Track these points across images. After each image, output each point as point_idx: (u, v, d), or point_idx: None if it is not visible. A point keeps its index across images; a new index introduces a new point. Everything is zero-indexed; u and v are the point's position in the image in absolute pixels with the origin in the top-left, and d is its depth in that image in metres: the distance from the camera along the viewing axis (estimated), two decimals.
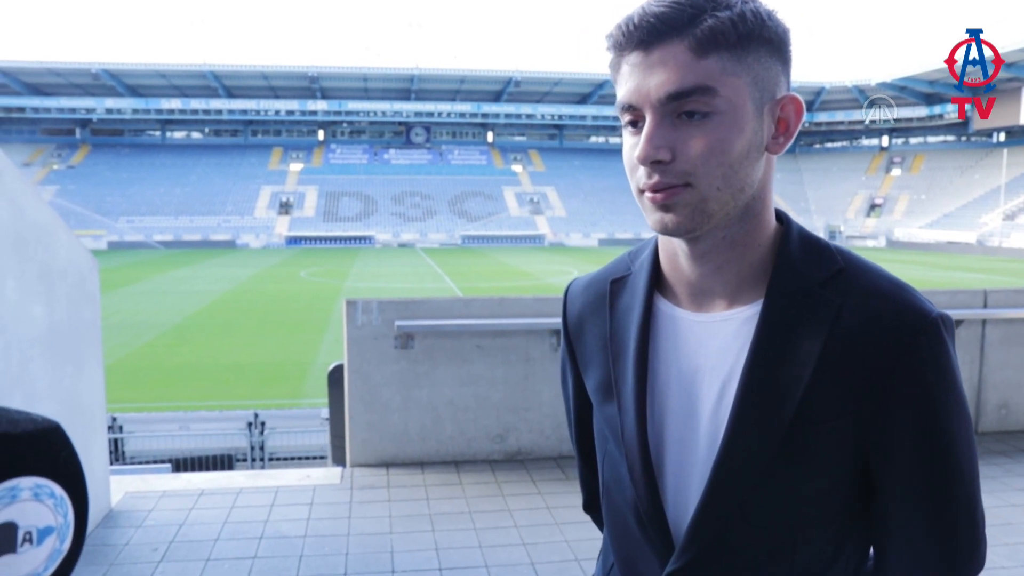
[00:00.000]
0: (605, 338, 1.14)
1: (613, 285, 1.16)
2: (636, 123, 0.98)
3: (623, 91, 0.97)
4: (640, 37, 0.94)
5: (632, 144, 0.99)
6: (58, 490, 0.62)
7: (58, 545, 0.62)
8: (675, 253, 1.07)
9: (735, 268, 1.03)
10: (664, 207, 0.96)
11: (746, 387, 1.00)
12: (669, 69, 0.93)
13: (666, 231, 0.98)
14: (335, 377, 5.81)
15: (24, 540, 0.59)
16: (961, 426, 1.00)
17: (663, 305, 1.10)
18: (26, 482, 0.60)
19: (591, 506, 1.36)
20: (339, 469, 5.13)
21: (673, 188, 0.95)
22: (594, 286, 1.20)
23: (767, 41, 0.95)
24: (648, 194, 0.97)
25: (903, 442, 0.99)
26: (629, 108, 0.97)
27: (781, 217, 1.08)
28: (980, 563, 1.06)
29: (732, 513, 1.01)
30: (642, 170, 0.97)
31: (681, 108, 0.93)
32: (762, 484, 1.00)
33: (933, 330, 0.97)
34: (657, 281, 1.12)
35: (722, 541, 1.03)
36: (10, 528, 0.57)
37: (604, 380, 1.14)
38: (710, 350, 1.05)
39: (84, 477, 0.65)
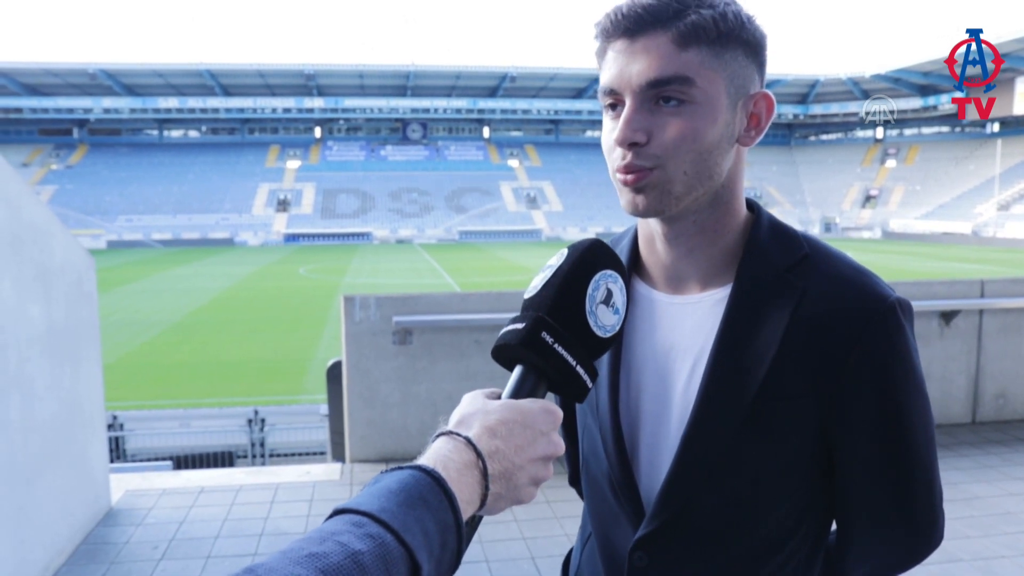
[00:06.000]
0: None
1: None
2: (615, 107, 1.03)
3: (607, 76, 1.03)
4: (627, 25, 0.99)
5: (611, 128, 1.04)
6: (620, 281, 0.95)
7: (620, 319, 0.94)
8: (652, 237, 1.13)
9: (706, 252, 1.09)
10: (636, 189, 1.02)
11: (715, 364, 1.06)
12: (651, 57, 0.98)
13: (636, 212, 1.04)
14: (334, 373, 5.82)
15: (615, 304, 0.93)
16: (918, 404, 1.05)
17: (640, 287, 1.17)
18: (611, 273, 0.94)
19: (575, 480, 1.42)
20: (339, 465, 5.14)
21: (644, 171, 1.01)
22: None
23: (745, 42, 1.01)
24: (620, 176, 1.03)
25: (862, 420, 1.04)
26: (611, 92, 1.03)
27: (753, 206, 1.13)
28: (939, 537, 1.13)
29: (700, 482, 1.07)
30: (619, 151, 1.02)
31: (659, 95, 0.98)
32: (728, 455, 1.05)
33: (891, 313, 1.03)
34: (636, 265, 1.19)
35: (690, 509, 1.08)
36: (611, 294, 0.92)
37: None
38: (683, 330, 1.11)
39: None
